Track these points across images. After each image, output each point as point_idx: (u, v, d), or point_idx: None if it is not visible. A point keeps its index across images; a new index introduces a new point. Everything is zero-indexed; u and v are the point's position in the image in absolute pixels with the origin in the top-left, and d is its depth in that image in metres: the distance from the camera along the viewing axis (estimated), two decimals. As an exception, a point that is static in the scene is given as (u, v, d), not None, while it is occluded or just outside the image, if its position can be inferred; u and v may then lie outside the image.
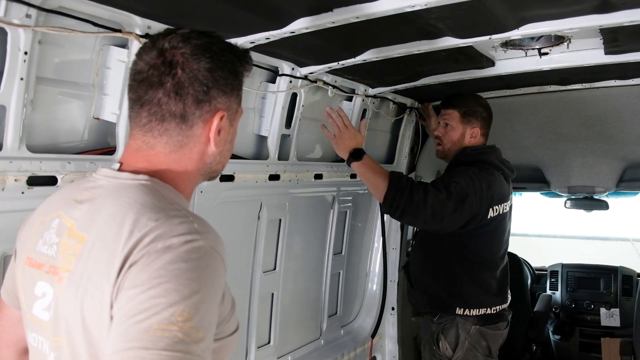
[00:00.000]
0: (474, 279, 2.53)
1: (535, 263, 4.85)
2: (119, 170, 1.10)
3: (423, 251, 2.71)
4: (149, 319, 0.87)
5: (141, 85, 1.07)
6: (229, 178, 2.08)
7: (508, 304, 2.68)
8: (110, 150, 1.66)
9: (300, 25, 1.69)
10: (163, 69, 1.05)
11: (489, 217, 2.46)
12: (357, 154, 2.43)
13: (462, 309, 2.51)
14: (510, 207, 2.67)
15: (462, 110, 2.65)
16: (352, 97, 2.71)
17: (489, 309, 2.53)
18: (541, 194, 4.23)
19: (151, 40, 1.10)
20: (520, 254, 4.40)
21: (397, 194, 2.33)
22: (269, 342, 2.54)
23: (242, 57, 1.15)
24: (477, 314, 2.51)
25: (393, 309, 3.33)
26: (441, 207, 2.32)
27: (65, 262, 1.02)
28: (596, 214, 3.92)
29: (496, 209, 2.49)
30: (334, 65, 2.20)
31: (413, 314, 3.05)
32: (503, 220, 2.57)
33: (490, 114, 2.71)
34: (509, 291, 2.71)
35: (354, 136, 2.44)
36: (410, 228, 3.36)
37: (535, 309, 4.16)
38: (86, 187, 1.10)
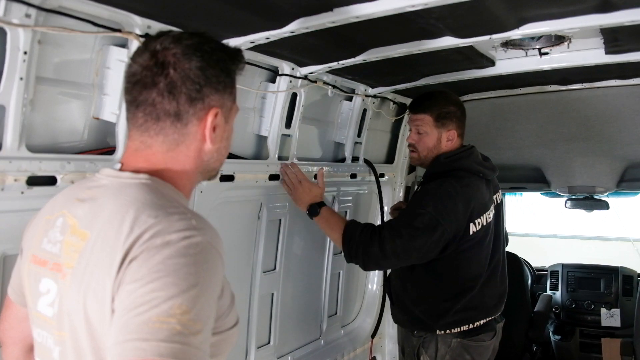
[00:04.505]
0: (456, 301, 2.36)
1: (535, 263, 4.84)
2: (120, 170, 1.13)
3: (403, 269, 2.47)
4: (149, 312, 0.89)
5: (136, 86, 1.10)
6: (229, 178, 2.08)
7: (499, 314, 2.52)
8: (110, 150, 1.66)
9: (300, 25, 1.69)
10: (156, 69, 1.08)
11: (470, 233, 2.29)
12: (313, 209, 2.34)
13: (442, 330, 2.39)
14: (497, 208, 2.51)
15: (435, 114, 2.41)
16: (352, 97, 2.71)
17: (471, 324, 2.39)
18: (541, 194, 4.21)
19: (144, 43, 1.13)
20: (521, 254, 4.39)
21: (352, 250, 2.26)
22: (269, 342, 2.54)
23: (234, 56, 1.17)
24: (459, 330, 2.38)
25: (393, 309, 3.33)
26: (404, 249, 2.21)
27: (68, 259, 1.05)
28: (596, 214, 3.92)
29: (478, 222, 2.32)
30: (334, 65, 2.20)
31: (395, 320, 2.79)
32: (487, 230, 2.39)
33: (464, 112, 2.49)
34: (503, 299, 2.54)
35: (309, 190, 2.33)
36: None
37: (535, 309, 4.15)
38: (89, 187, 1.13)
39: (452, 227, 2.24)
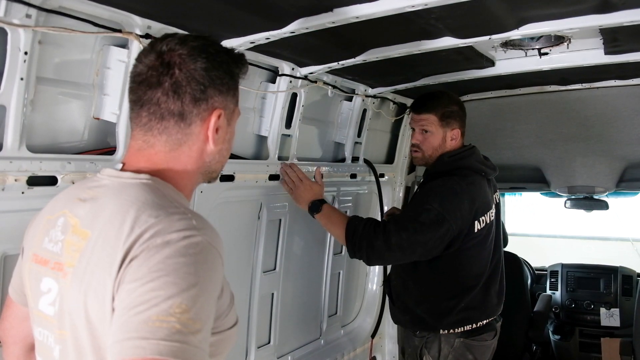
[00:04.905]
0: (460, 300, 2.36)
1: (535, 263, 4.85)
2: (122, 170, 1.14)
3: (405, 268, 2.48)
4: (148, 311, 0.90)
5: (141, 86, 1.11)
6: (229, 178, 2.08)
7: (498, 313, 2.53)
8: (110, 150, 1.66)
9: (300, 25, 1.69)
10: (161, 69, 1.10)
11: (475, 230, 2.30)
12: (315, 206, 2.35)
13: (445, 330, 2.39)
14: (497, 207, 2.53)
15: (440, 113, 2.43)
16: (352, 97, 2.72)
17: (474, 324, 2.40)
18: (541, 194, 4.22)
19: (150, 45, 1.15)
20: (520, 254, 4.39)
21: (355, 245, 2.24)
22: (269, 342, 2.54)
23: (237, 59, 1.19)
24: (462, 330, 2.38)
25: (393, 309, 3.33)
26: (410, 242, 2.20)
27: (69, 258, 1.05)
28: (596, 214, 3.92)
29: (482, 220, 2.33)
30: (334, 65, 2.20)
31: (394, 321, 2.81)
32: (490, 229, 2.41)
33: (465, 111, 2.52)
34: (502, 299, 2.56)
35: (310, 188, 2.35)
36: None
37: (535, 309, 4.16)
38: (90, 187, 1.14)
39: (458, 224, 2.25)
